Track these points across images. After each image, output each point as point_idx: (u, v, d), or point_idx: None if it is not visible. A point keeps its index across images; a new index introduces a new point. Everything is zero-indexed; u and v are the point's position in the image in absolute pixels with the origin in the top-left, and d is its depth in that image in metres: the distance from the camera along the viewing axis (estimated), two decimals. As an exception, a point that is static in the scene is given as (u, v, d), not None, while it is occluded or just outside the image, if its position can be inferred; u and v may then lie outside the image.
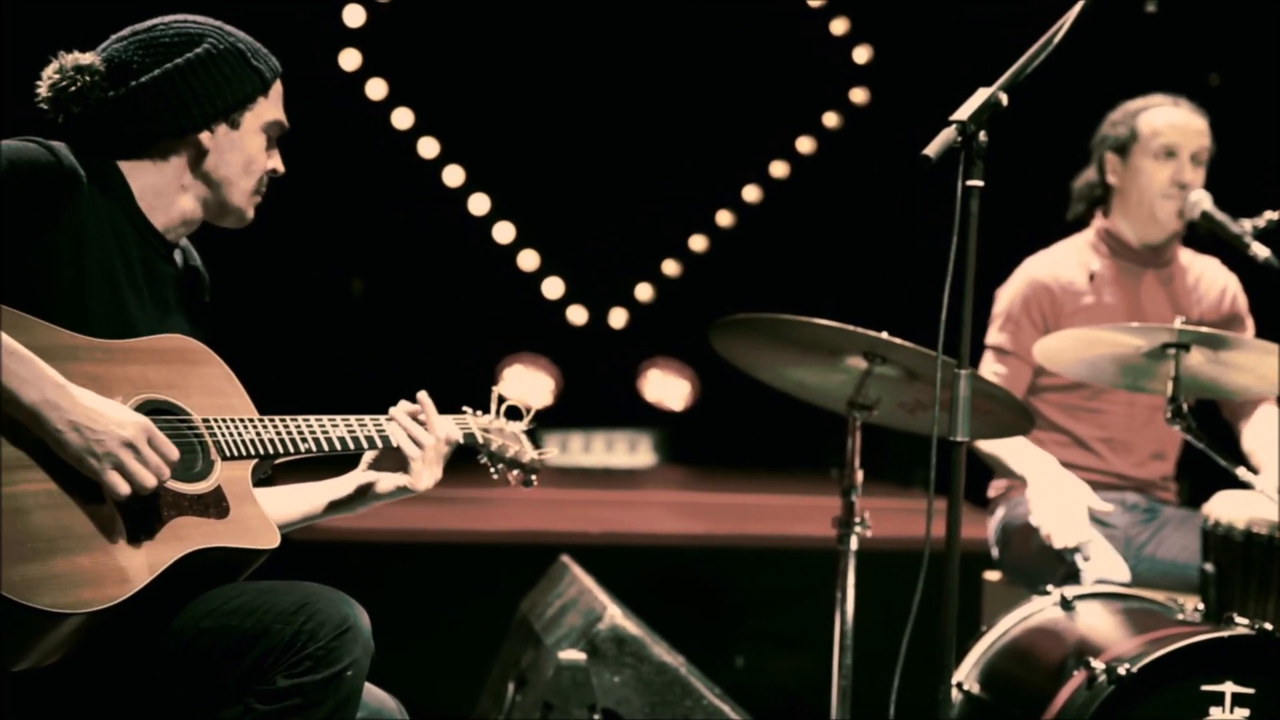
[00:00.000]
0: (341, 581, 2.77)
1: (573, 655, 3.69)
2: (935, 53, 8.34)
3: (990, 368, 4.44)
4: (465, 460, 3.03)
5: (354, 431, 2.84)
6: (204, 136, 2.76)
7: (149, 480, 2.50)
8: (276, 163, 2.87)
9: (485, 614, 5.10)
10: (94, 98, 2.71)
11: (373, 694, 2.80)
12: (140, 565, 2.49)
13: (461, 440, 2.95)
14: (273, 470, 2.83)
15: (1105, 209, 4.56)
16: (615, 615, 3.83)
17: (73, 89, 2.70)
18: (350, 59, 8.77)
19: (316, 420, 2.80)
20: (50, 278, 2.61)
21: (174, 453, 2.54)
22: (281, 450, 2.74)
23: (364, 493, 2.92)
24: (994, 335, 4.48)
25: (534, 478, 3.08)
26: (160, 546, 2.52)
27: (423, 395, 2.92)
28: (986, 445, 4.32)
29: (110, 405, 2.50)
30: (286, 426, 2.76)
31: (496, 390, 3.08)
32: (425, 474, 2.87)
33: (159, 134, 2.75)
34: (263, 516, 2.68)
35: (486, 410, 3.06)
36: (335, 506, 2.93)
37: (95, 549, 2.46)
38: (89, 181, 2.67)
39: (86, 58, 2.73)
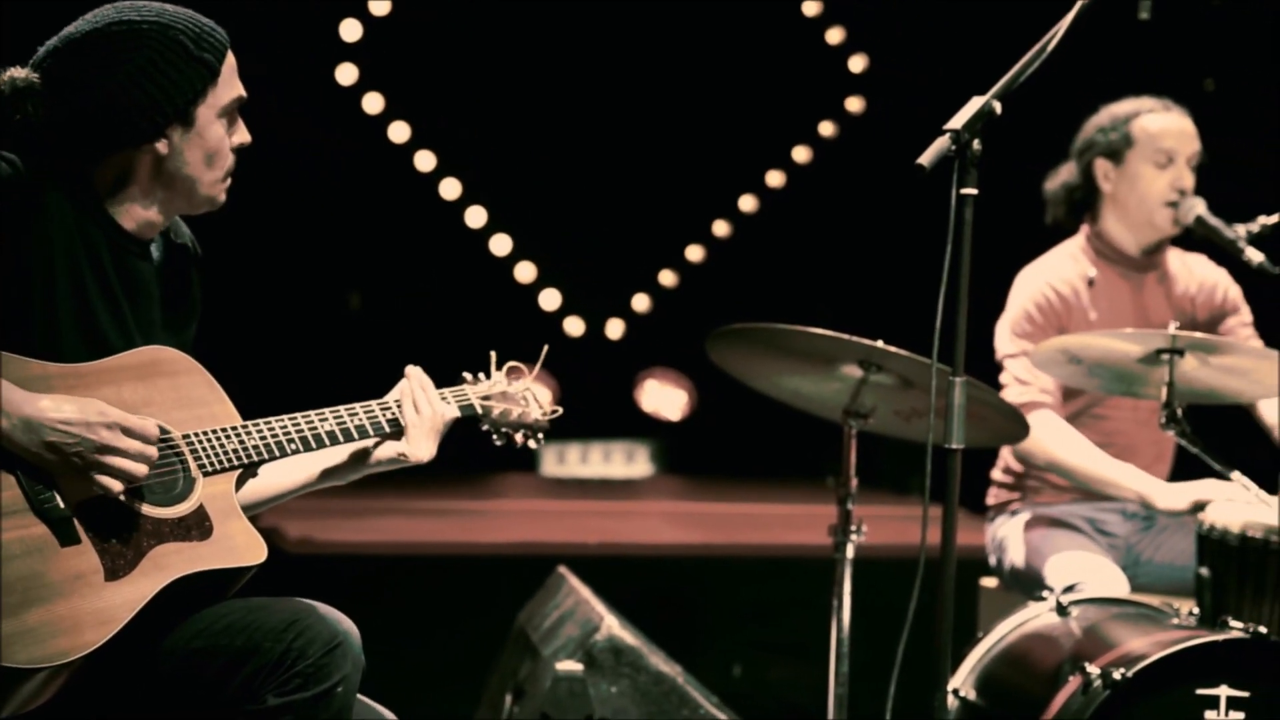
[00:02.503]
0: (339, 595, 2.76)
1: (570, 666, 3.69)
2: (931, 61, 8.36)
3: (1019, 373, 4.37)
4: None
5: (344, 423, 2.80)
6: (159, 144, 2.68)
7: (139, 470, 2.49)
8: (241, 136, 2.78)
9: (483, 626, 5.10)
10: (38, 118, 2.64)
11: (368, 708, 2.79)
12: (120, 604, 2.45)
13: (459, 414, 2.91)
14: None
15: (1093, 214, 4.54)
16: (612, 626, 3.83)
17: (16, 116, 2.64)
18: (347, 73, 8.78)
19: (303, 417, 2.76)
20: (20, 298, 2.57)
21: (152, 430, 2.52)
22: (266, 455, 2.70)
23: (360, 459, 2.88)
24: (1013, 343, 4.41)
25: (541, 435, 3.03)
26: (141, 580, 2.48)
27: (417, 371, 2.90)
28: (1088, 466, 4.30)
29: (77, 409, 2.46)
30: (271, 429, 2.72)
31: (494, 354, 3.03)
32: (423, 444, 2.85)
33: (111, 148, 2.67)
34: (248, 531, 2.64)
35: (488, 375, 3.01)
36: (330, 474, 2.89)
37: (72, 594, 2.42)
38: (53, 190, 2.62)
39: (21, 75, 2.63)
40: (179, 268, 2.84)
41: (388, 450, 2.86)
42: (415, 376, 2.88)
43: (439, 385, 2.93)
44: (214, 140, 2.72)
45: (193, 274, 2.88)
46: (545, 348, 3.07)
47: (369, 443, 2.87)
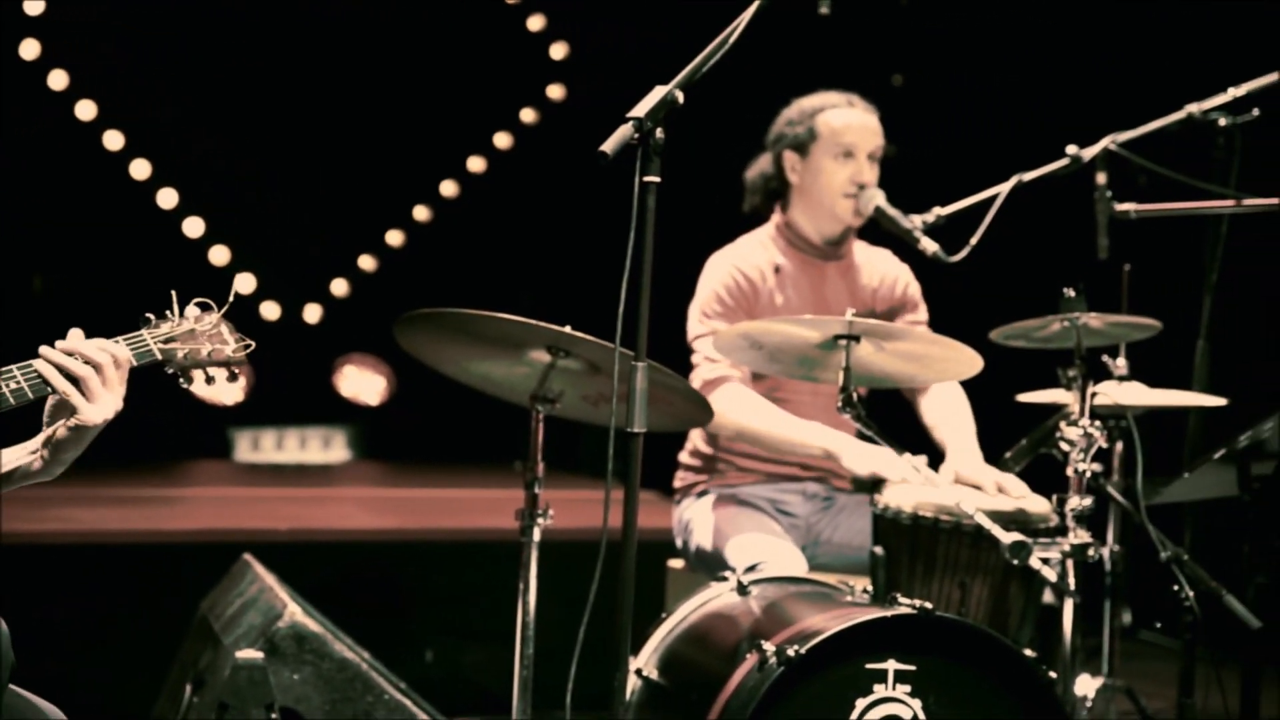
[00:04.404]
0: (13, 588, 2.67)
1: (250, 654, 3.62)
2: (632, 49, 8.45)
3: (708, 352, 4.44)
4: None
5: None
6: None
7: None
8: None
9: (167, 616, 4.99)
10: None
11: (33, 706, 2.67)
12: None
13: (135, 362, 2.67)
14: None
15: (784, 204, 4.65)
16: (295, 613, 3.78)
17: None
18: (30, 49, 8.49)
19: None
20: None
21: None
22: None
23: (47, 449, 2.62)
24: (703, 324, 4.48)
25: (238, 370, 2.83)
26: None
27: (73, 330, 2.66)
28: (777, 430, 4.36)
29: None
30: None
31: (174, 292, 2.80)
32: (93, 407, 2.59)
33: None
34: None
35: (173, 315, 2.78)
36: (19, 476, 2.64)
37: None
38: None
39: None
40: None
41: (68, 426, 2.60)
42: (48, 351, 2.62)
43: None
44: None
45: None
46: (235, 287, 2.90)
47: (48, 431, 2.63)
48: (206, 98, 8.70)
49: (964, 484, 4.13)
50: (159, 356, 2.73)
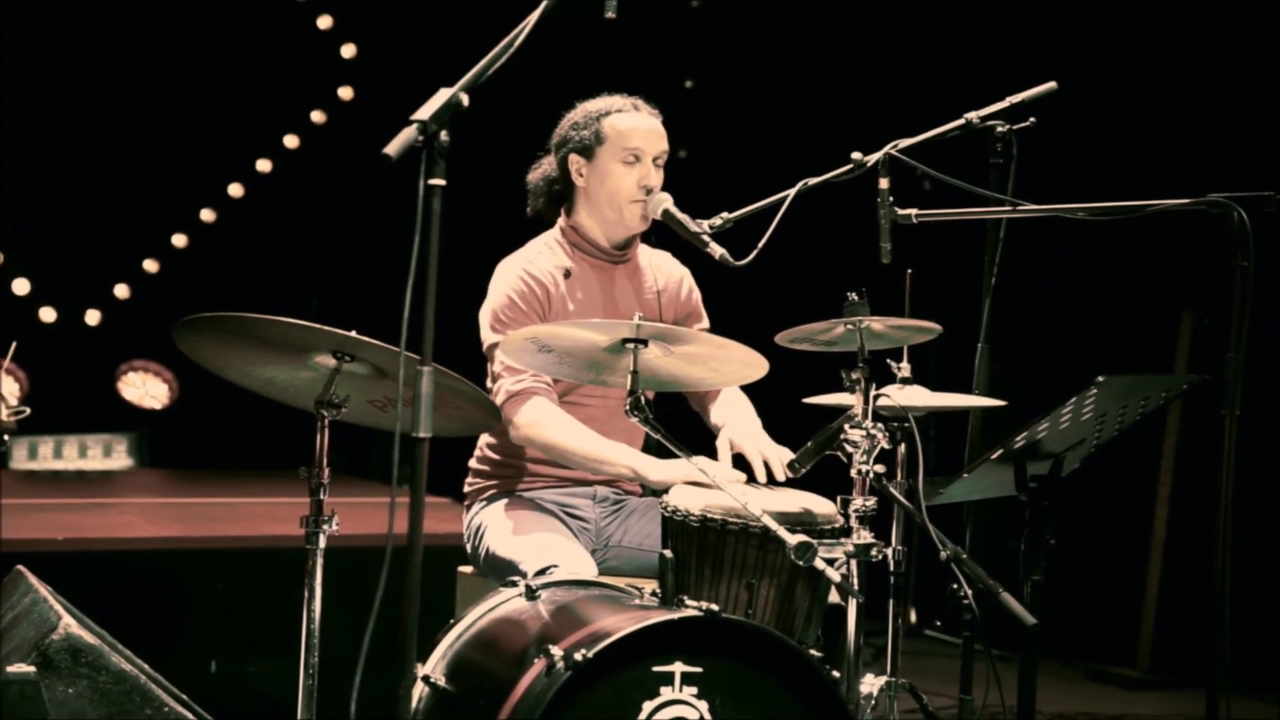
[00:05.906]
0: None
1: (22, 668, 3.53)
2: (421, 50, 8.41)
3: (510, 361, 4.41)
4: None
5: None
6: None
7: None
8: None
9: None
10: None
11: None
12: None
13: None
14: None
15: (569, 207, 4.65)
16: (70, 625, 3.68)
17: None
18: None
19: None
20: None
21: None
22: None
23: None
24: (497, 332, 4.45)
25: (6, 437, 2.93)
26: None
27: None
28: (583, 447, 4.34)
29: None
30: None
31: None
32: None
33: None
34: None
35: None
36: None
37: None
38: None
39: None
40: None
41: None
42: None
43: None
44: None
45: None
46: (14, 344, 2.95)
47: None
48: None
49: (735, 448, 4.18)
50: None
